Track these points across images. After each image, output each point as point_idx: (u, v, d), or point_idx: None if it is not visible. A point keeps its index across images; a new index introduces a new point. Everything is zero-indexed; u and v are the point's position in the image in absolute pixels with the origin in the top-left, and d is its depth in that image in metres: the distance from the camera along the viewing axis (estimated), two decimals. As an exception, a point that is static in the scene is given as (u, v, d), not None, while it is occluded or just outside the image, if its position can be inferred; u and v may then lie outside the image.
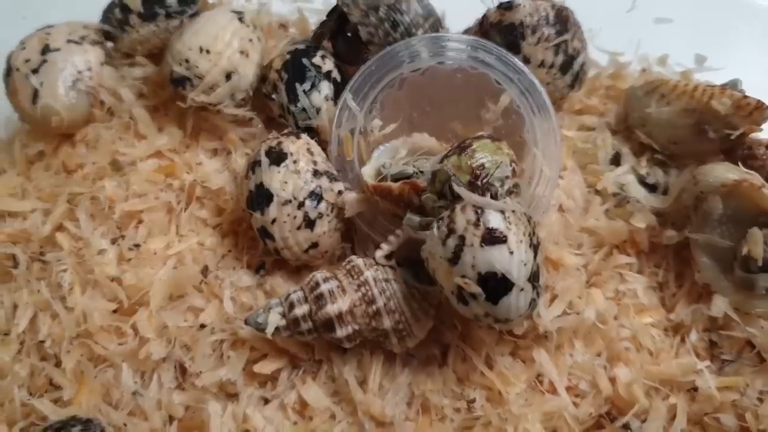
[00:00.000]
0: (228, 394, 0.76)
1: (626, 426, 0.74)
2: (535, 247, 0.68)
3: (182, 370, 0.76)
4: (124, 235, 0.82)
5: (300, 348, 0.76)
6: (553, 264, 0.79)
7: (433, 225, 0.69)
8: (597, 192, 0.82)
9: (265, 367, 0.75)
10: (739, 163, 0.77)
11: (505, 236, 0.65)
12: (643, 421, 0.73)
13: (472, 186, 0.70)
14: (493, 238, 0.65)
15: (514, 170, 0.73)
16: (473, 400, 0.75)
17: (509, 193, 0.71)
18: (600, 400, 0.75)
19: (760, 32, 0.98)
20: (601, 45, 0.93)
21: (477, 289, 0.66)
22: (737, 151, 0.81)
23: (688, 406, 0.75)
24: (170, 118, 0.89)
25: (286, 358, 0.76)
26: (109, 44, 0.92)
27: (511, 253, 0.65)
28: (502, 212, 0.67)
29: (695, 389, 0.75)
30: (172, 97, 0.86)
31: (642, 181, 0.82)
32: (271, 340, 0.75)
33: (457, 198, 0.69)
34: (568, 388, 0.76)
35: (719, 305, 0.76)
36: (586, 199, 0.82)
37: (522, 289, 0.66)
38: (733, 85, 0.81)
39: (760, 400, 0.75)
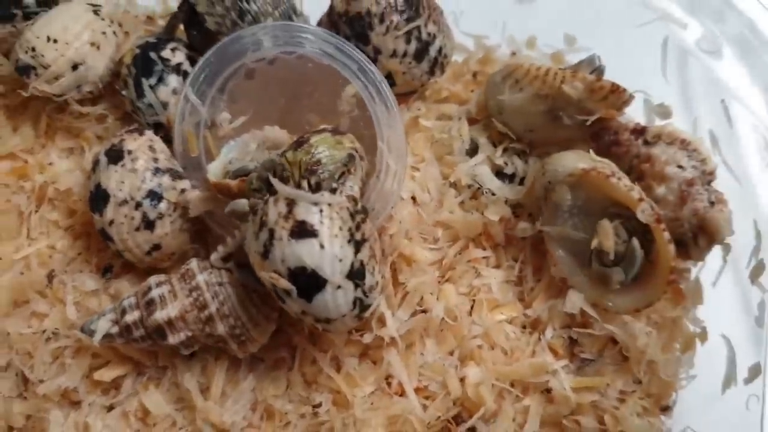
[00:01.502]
0: (71, 402, 0.74)
1: (472, 429, 0.71)
2: (357, 243, 0.64)
3: (24, 379, 0.74)
4: (-28, 241, 0.80)
5: (144, 354, 0.74)
6: (406, 260, 0.75)
7: (249, 218, 0.66)
8: (452, 184, 0.78)
9: (105, 375, 0.73)
10: (591, 151, 0.72)
11: (316, 230, 0.63)
12: (492, 424, 0.71)
13: (305, 182, 0.67)
14: (302, 231, 0.63)
15: (350, 166, 0.70)
16: (319, 405, 0.72)
17: (334, 185, 0.68)
18: (449, 402, 0.72)
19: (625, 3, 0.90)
20: (467, 29, 0.88)
21: (287, 285, 0.63)
22: (604, 137, 0.77)
23: (544, 408, 0.72)
24: (27, 118, 0.86)
25: (130, 365, 0.74)
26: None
27: (322, 247, 0.62)
28: (316, 205, 0.64)
29: (549, 390, 0.72)
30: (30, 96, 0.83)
31: (499, 171, 0.78)
32: (115, 347, 0.73)
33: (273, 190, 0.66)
34: (418, 390, 0.73)
35: (573, 301, 0.72)
36: (440, 192, 0.78)
37: (339, 287, 0.63)
38: (590, 61, 0.75)
39: (621, 400, 0.72)
